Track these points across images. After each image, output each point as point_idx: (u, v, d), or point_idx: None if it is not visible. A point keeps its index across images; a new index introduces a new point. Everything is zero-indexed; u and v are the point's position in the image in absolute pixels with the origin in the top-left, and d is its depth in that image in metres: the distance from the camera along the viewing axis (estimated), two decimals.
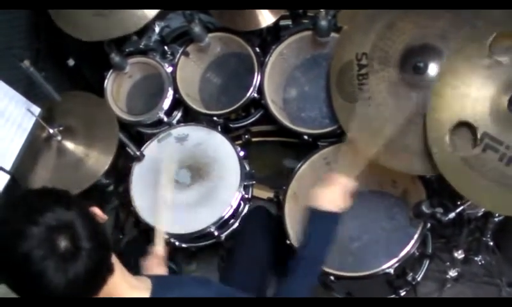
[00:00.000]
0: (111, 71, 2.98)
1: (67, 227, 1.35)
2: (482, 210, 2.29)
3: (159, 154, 2.75)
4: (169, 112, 2.92)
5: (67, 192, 1.48)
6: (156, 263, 2.21)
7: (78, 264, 1.34)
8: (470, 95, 2.01)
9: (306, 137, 2.64)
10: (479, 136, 1.99)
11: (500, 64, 1.98)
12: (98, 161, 2.51)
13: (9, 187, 2.27)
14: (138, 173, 2.74)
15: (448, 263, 2.67)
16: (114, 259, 1.54)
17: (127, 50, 3.04)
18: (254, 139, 2.92)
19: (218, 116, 2.83)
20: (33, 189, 1.52)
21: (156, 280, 1.71)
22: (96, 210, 1.51)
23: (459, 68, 2.05)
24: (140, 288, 1.65)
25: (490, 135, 1.98)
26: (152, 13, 2.70)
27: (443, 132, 2.05)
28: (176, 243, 2.62)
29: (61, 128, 2.51)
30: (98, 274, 1.44)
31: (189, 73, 2.99)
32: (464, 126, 2.03)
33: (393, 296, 2.62)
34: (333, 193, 2.06)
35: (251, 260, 2.46)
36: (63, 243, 1.32)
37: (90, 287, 1.43)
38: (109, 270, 1.49)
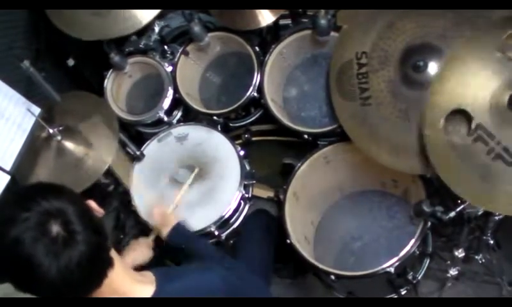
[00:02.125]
0: (110, 71, 2.98)
1: (59, 213, 1.36)
2: (482, 209, 2.28)
3: (159, 154, 2.75)
4: (169, 112, 2.91)
5: (61, 185, 1.49)
6: (145, 245, 2.41)
7: (72, 250, 1.35)
8: (473, 84, 2.01)
9: (306, 136, 2.64)
10: (473, 126, 1.99)
11: (510, 61, 1.97)
12: (98, 161, 2.51)
13: (9, 187, 2.27)
14: (138, 172, 2.73)
15: (448, 262, 2.66)
16: (114, 254, 1.55)
17: (126, 49, 3.03)
18: (254, 139, 2.91)
19: (218, 115, 2.83)
20: (25, 185, 1.53)
21: (159, 273, 1.71)
22: (92, 204, 1.52)
23: (468, 55, 2.04)
24: (144, 282, 1.65)
25: (484, 127, 1.98)
26: (151, 13, 2.70)
27: (440, 116, 2.05)
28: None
29: (61, 128, 2.50)
30: (96, 264, 1.44)
31: (189, 72, 2.99)
32: (461, 114, 2.03)
33: (394, 295, 2.62)
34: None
35: (253, 262, 2.45)
36: (54, 228, 1.34)
37: (88, 277, 1.43)
38: (109, 262, 1.50)
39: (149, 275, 1.70)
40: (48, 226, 1.33)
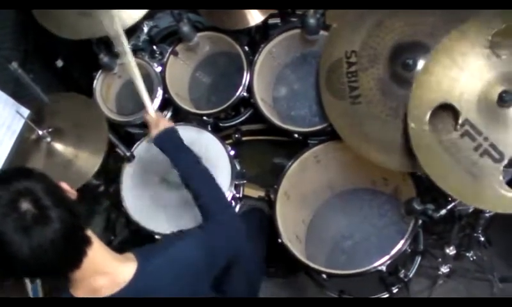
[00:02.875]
0: (99, 71, 2.96)
1: (28, 192, 1.38)
2: (473, 206, 2.29)
3: (149, 154, 2.74)
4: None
5: (31, 168, 1.51)
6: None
7: (44, 228, 1.37)
8: (460, 79, 2.01)
9: (296, 135, 2.64)
10: (460, 121, 2.00)
11: (498, 58, 1.98)
12: (88, 162, 2.49)
13: None
14: (128, 173, 2.73)
15: (440, 260, 2.67)
16: (91, 233, 1.56)
17: (115, 50, 3.02)
18: (244, 138, 2.91)
19: (208, 115, 2.82)
20: None
21: (139, 252, 1.73)
22: (64, 185, 1.54)
23: (456, 48, 2.04)
24: (125, 261, 1.66)
25: (471, 123, 1.99)
26: (140, 12, 2.69)
27: (425, 109, 2.05)
28: None
29: (50, 130, 2.50)
30: (71, 242, 1.45)
31: (178, 72, 2.98)
32: (447, 108, 2.03)
33: (385, 293, 2.62)
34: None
35: (246, 260, 2.44)
36: (24, 205, 1.36)
37: (64, 256, 1.44)
38: (86, 240, 1.52)
39: (129, 255, 1.70)
40: (18, 204, 1.35)
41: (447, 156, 2.01)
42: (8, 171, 1.56)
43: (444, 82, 2.03)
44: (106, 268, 1.59)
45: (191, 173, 2.15)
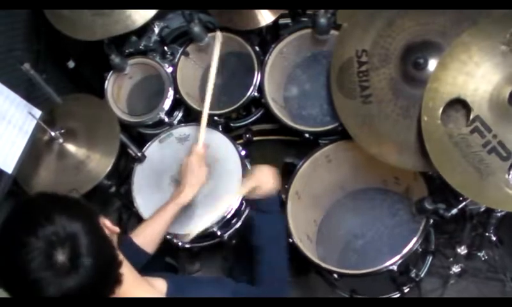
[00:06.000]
0: (111, 72, 2.96)
1: (69, 239, 1.35)
2: (485, 205, 2.28)
3: (161, 155, 2.75)
4: (170, 113, 2.91)
5: (77, 200, 1.48)
6: (196, 160, 2.29)
7: (72, 279, 1.34)
8: (475, 75, 2.01)
9: (307, 135, 2.64)
10: (471, 117, 2.00)
11: None
12: (100, 163, 2.51)
13: (11, 191, 2.28)
14: (140, 173, 2.73)
15: (451, 259, 2.67)
16: (126, 269, 1.54)
17: (126, 51, 3.03)
18: (255, 138, 2.91)
19: (219, 115, 2.82)
20: (41, 194, 1.50)
21: (171, 281, 1.73)
22: (106, 222, 1.51)
23: (473, 44, 2.04)
24: (154, 293, 1.66)
25: (482, 119, 1.99)
26: (150, 12, 2.69)
27: (439, 103, 2.05)
28: (179, 243, 2.62)
29: (62, 131, 2.51)
30: (99, 287, 1.43)
31: (190, 73, 2.98)
32: (459, 103, 2.03)
33: (397, 293, 2.62)
34: (264, 175, 2.14)
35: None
36: (60, 257, 1.33)
37: (89, 298, 1.42)
38: (116, 281, 1.49)
39: (160, 284, 1.70)
40: (54, 256, 1.32)
41: (457, 151, 2.01)
42: (45, 203, 1.44)
43: (459, 78, 2.03)
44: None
45: (269, 249, 2.09)
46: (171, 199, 2.27)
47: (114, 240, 1.55)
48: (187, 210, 2.52)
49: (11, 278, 1.37)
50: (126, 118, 2.93)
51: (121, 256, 1.52)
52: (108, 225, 1.51)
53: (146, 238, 2.15)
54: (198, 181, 2.29)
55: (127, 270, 1.56)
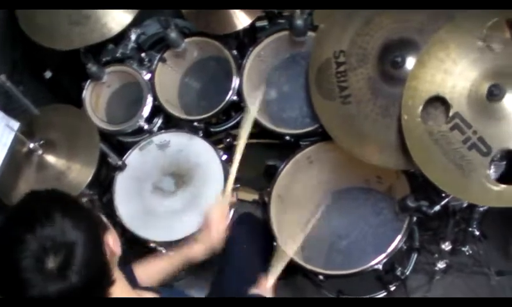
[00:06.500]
0: (88, 81, 2.95)
1: (64, 248, 1.31)
2: (467, 201, 2.29)
3: (141, 162, 2.74)
4: (149, 120, 2.89)
5: (87, 208, 1.45)
6: (221, 211, 2.30)
7: (56, 286, 1.30)
8: (453, 72, 2.01)
9: (288, 137, 2.64)
10: (450, 114, 2.00)
11: (491, 51, 1.98)
12: (81, 173, 2.48)
13: None
14: (121, 182, 2.71)
15: (436, 255, 2.68)
16: (117, 275, 1.50)
17: (103, 59, 3.02)
18: (236, 143, 2.90)
19: (199, 121, 2.81)
20: (52, 190, 1.47)
21: (166, 293, 1.72)
22: (110, 241, 1.46)
23: (451, 41, 2.04)
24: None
25: (461, 116, 1.99)
26: (128, 18, 2.68)
27: (418, 102, 2.06)
28: (164, 251, 2.61)
29: (41, 142, 2.49)
30: (83, 298, 1.38)
31: (168, 79, 2.97)
32: (439, 101, 2.04)
33: (383, 292, 2.63)
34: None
35: (242, 267, 2.44)
36: (50, 264, 1.29)
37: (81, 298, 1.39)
38: (108, 283, 1.45)
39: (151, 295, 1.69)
40: (45, 261, 1.29)
41: (437, 148, 2.02)
42: (48, 202, 1.40)
43: (438, 75, 2.04)
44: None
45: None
46: (183, 250, 2.25)
47: (114, 260, 1.50)
48: (173, 218, 2.52)
49: (1, 271, 1.35)
50: (105, 126, 2.91)
51: (115, 276, 1.48)
52: (110, 245, 1.46)
53: (147, 274, 2.16)
54: (214, 241, 2.25)
55: (118, 276, 1.53)
